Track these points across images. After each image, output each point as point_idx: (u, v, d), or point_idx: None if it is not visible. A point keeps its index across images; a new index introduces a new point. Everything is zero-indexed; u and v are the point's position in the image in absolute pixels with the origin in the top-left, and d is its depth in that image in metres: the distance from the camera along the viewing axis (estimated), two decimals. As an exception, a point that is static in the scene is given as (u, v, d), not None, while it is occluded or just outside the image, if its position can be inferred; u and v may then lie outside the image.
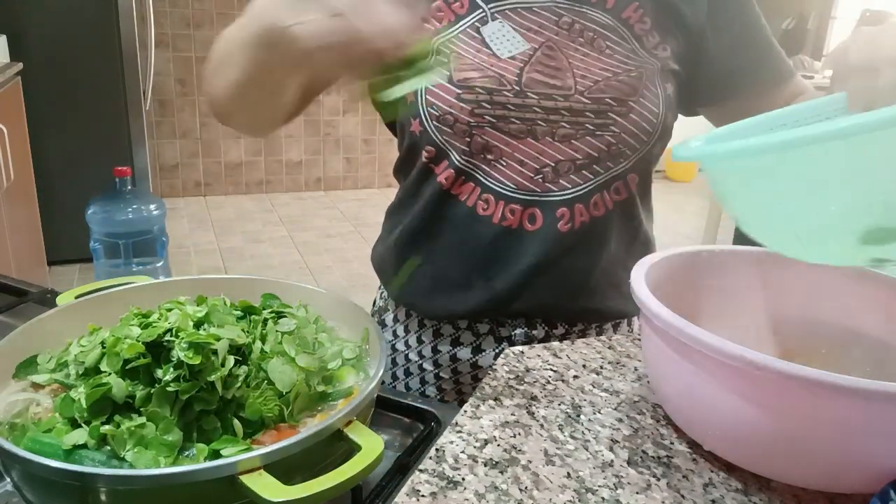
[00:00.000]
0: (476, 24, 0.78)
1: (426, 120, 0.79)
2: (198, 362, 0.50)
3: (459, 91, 0.77)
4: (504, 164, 0.79)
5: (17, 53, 2.75)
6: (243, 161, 4.51)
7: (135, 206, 2.64)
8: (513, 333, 0.86)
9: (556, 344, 0.71)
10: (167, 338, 0.52)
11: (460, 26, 0.79)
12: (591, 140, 0.78)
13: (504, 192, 0.80)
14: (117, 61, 3.07)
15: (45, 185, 2.90)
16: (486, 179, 0.80)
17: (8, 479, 0.52)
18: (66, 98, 3.03)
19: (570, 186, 0.79)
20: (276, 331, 0.60)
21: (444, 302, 0.87)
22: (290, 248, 3.73)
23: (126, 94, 3.12)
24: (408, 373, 0.94)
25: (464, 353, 0.88)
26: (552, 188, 0.79)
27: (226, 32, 0.66)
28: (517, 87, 0.77)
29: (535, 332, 0.86)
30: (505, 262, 0.82)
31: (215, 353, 0.52)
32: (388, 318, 0.95)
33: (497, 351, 0.87)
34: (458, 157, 0.80)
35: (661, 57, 0.80)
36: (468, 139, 0.79)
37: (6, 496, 0.56)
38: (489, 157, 0.79)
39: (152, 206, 2.69)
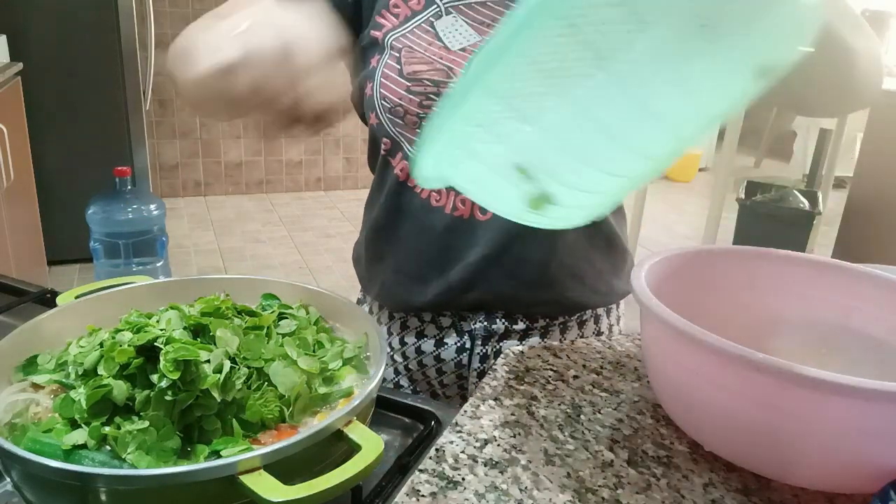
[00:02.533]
0: (430, 18, 0.79)
1: (380, 112, 0.81)
2: (176, 377, 0.49)
3: (409, 84, 0.78)
4: None
5: (17, 53, 2.75)
6: (243, 161, 4.51)
7: (135, 206, 2.64)
8: (473, 327, 0.87)
9: (555, 344, 0.71)
10: (158, 343, 0.52)
11: (415, 21, 0.80)
12: None
13: None
14: (117, 61, 3.07)
15: (45, 185, 2.90)
16: None
17: (8, 480, 0.52)
18: (66, 98, 3.03)
19: None
20: (277, 333, 0.60)
21: (404, 295, 0.88)
22: (290, 248, 3.73)
23: (126, 94, 3.12)
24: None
25: (427, 345, 0.90)
26: None
27: (191, 30, 0.64)
28: None
29: (494, 326, 0.86)
30: (458, 253, 0.83)
31: (207, 362, 0.52)
32: (365, 310, 0.96)
33: (458, 344, 0.88)
34: (410, 149, 0.81)
35: None
36: (419, 130, 0.80)
37: (6, 496, 0.55)
38: None
39: (152, 206, 2.69)
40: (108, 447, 0.49)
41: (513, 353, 0.69)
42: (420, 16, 0.80)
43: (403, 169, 0.83)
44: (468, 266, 0.83)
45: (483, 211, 0.81)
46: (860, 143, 3.20)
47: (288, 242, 3.80)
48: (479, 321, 0.86)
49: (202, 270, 3.36)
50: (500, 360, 0.67)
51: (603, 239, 0.88)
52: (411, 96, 0.79)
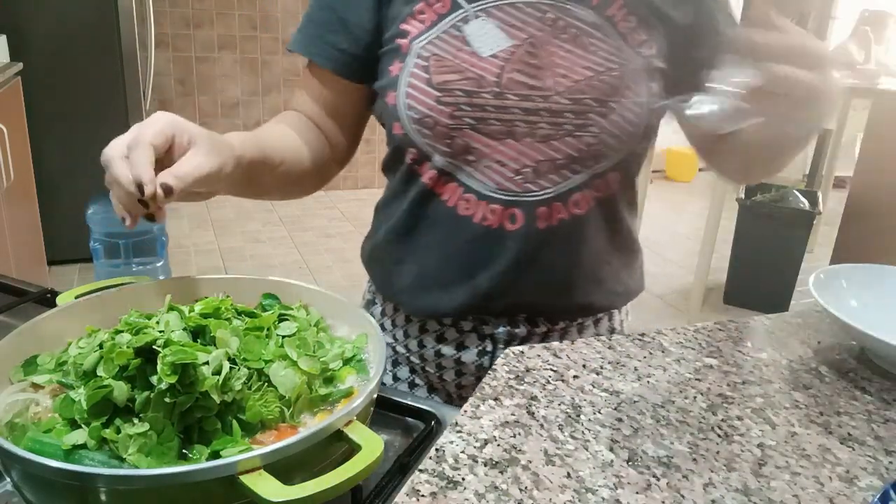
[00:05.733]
0: (458, 23, 0.78)
1: (406, 123, 0.79)
2: (174, 381, 0.49)
3: (439, 94, 0.77)
4: (485, 164, 0.79)
5: (17, 53, 2.75)
6: (243, 161, 4.50)
7: (135, 206, 2.64)
8: (495, 332, 0.87)
9: (555, 344, 0.71)
10: (157, 344, 0.52)
11: (442, 26, 0.78)
12: (571, 140, 0.78)
13: (485, 192, 0.80)
14: (117, 61, 3.07)
15: (45, 185, 2.90)
16: (467, 180, 0.81)
17: (8, 480, 0.52)
18: (66, 98, 3.03)
19: (549, 186, 0.79)
20: (277, 334, 0.60)
21: (427, 300, 0.88)
22: (290, 247, 3.73)
23: (126, 94, 3.12)
24: (396, 363, 0.95)
25: (447, 349, 0.89)
26: (532, 188, 0.79)
27: None
28: (496, 89, 0.77)
29: (517, 330, 0.86)
30: (486, 262, 0.83)
31: (206, 364, 0.51)
32: (377, 311, 0.96)
33: (479, 348, 0.88)
34: (440, 159, 0.80)
35: (646, 55, 0.79)
36: (449, 141, 0.79)
37: (6, 496, 0.55)
38: (470, 158, 0.79)
39: (152, 206, 2.69)
40: (108, 447, 0.49)
41: (513, 353, 0.69)
42: (446, 20, 0.78)
43: (432, 178, 0.82)
44: (495, 275, 0.83)
45: (513, 221, 0.80)
46: (860, 143, 3.20)
47: (288, 242, 3.80)
48: (503, 325, 0.86)
49: (202, 270, 3.36)
50: (499, 361, 0.67)
51: (622, 239, 0.89)
52: (441, 107, 0.77)
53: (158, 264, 2.75)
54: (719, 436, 0.57)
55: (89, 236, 2.66)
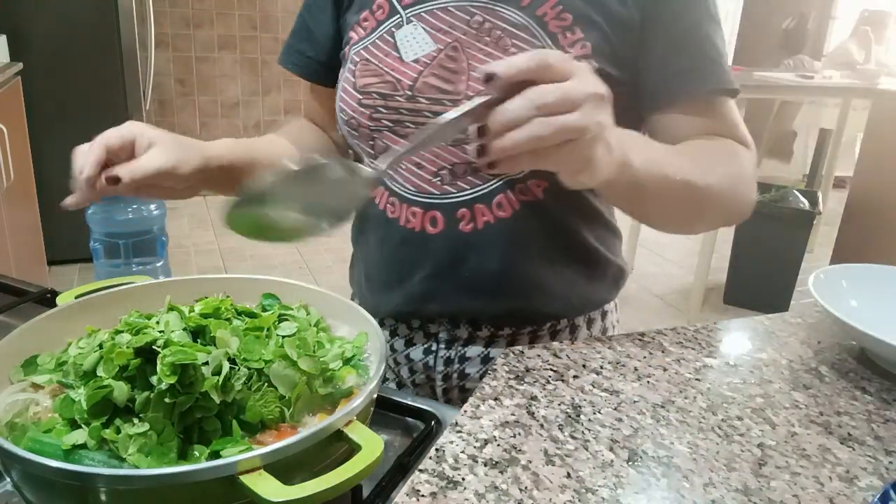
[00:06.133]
0: (392, 28, 0.79)
1: (340, 124, 0.84)
2: (174, 381, 0.49)
3: (360, 97, 0.80)
4: (403, 167, 0.80)
5: (17, 53, 2.75)
6: (243, 161, 4.50)
7: (135, 206, 2.64)
8: (438, 332, 0.87)
9: (555, 344, 0.71)
10: (157, 345, 0.52)
11: (378, 32, 0.80)
12: None
13: (406, 195, 0.81)
14: (117, 61, 3.07)
15: (45, 185, 2.90)
16: (391, 183, 0.82)
17: (8, 480, 0.52)
18: (66, 98, 3.03)
19: (468, 188, 0.78)
20: (277, 335, 0.60)
21: (372, 300, 0.91)
22: (290, 247, 3.73)
23: (126, 94, 3.12)
24: None
25: (398, 344, 0.90)
26: (450, 190, 0.79)
27: None
28: (409, 92, 0.77)
29: (457, 331, 0.86)
30: (414, 264, 0.83)
31: (206, 364, 0.52)
32: (364, 310, 0.98)
33: (425, 346, 0.88)
34: (367, 161, 0.82)
35: (576, 56, 0.73)
36: (371, 143, 0.82)
37: (6, 496, 0.55)
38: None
39: (152, 206, 2.69)
40: (108, 447, 0.49)
41: (513, 353, 0.69)
42: (383, 26, 0.80)
43: None
44: (424, 279, 0.83)
45: (434, 224, 0.80)
46: (860, 143, 3.20)
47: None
48: (444, 326, 0.86)
49: (202, 270, 3.36)
50: (499, 361, 0.67)
51: (575, 248, 0.85)
52: (362, 109, 0.80)
53: (158, 264, 2.75)
54: (719, 436, 0.57)
55: (89, 236, 2.66)
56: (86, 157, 0.71)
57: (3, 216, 2.32)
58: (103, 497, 0.46)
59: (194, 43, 4.18)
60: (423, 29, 0.77)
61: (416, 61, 0.77)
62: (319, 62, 0.90)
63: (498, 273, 0.80)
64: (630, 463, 0.53)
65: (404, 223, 0.82)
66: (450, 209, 0.79)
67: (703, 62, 0.76)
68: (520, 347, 0.70)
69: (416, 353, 0.89)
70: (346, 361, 0.61)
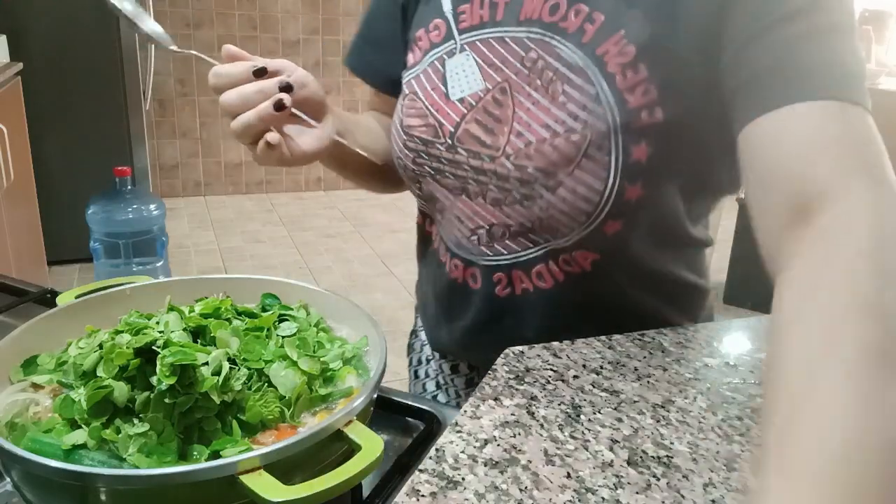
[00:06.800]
0: (444, 56, 0.73)
1: (395, 159, 0.80)
2: (173, 382, 0.49)
3: (406, 138, 0.76)
4: (447, 217, 0.77)
5: (17, 53, 2.75)
6: (243, 161, 4.51)
7: (135, 206, 2.64)
8: (479, 367, 0.89)
9: (555, 344, 0.71)
10: (157, 345, 0.52)
11: (430, 57, 0.74)
12: (521, 209, 0.70)
13: (450, 245, 0.79)
14: (117, 61, 3.07)
15: (45, 185, 2.90)
16: (440, 228, 0.81)
17: (8, 480, 0.52)
18: (66, 98, 3.03)
19: (505, 252, 0.73)
20: (277, 335, 0.60)
21: (427, 327, 0.91)
22: (290, 248, 3.73)
23: (126, 94, 3.12)
24: (427, 374, 0.97)
25: (445, 365, 0.92)
26: (487, 252, 0.74)
27: None
28: (449, 141, 0.72)
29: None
30: (457, 311, 0.83)
31: (205, 364, 0.52)
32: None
33: (468, 377, 0.91)
34: (419, 200, 0.81)
35: (634, 106, 0.63)
36: (418, 185, 0.78)
37: (6, 496, 0.56)
38: (437, 207, 0.78)
39: (152, 206, 2.69)
40: (109, 447, 0.49)
41: (512, 353, 0.69)
42: (436, 51, 0.73)
43: (421, 217, 0.84)
44: (466, 327, 0.82)
45: (474, 280, 0.78)
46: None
47: (288, 242, 3.80)
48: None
49: (202, 270, 3.36)
50: (499, 361, 0.67)
51: (632, 311, 0.77)
52: (407, 151, 0.76)
53: (158, 264, 2.75)
54: (719, 436, 0.57)
55: (89, 236, 2.66)
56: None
57: (3, 216, 2.32)
58: (103, 497, 0.46)
59: (194, 43, 4.18)
60: (476, 61, 0.70)
61: (461, 101, 0.71)
62: (387, 73, 0.82)
63: (534, 338, 0.73)
64: (630, 463, 0.53)
65: (450, 271, 0.80)
66: (487, 270, 0.75)
67: (816, 68, 0.55)
68: (520, 348, 0.70)
69: (460, 380, 0.91)
70: (347, 362, 0.62)
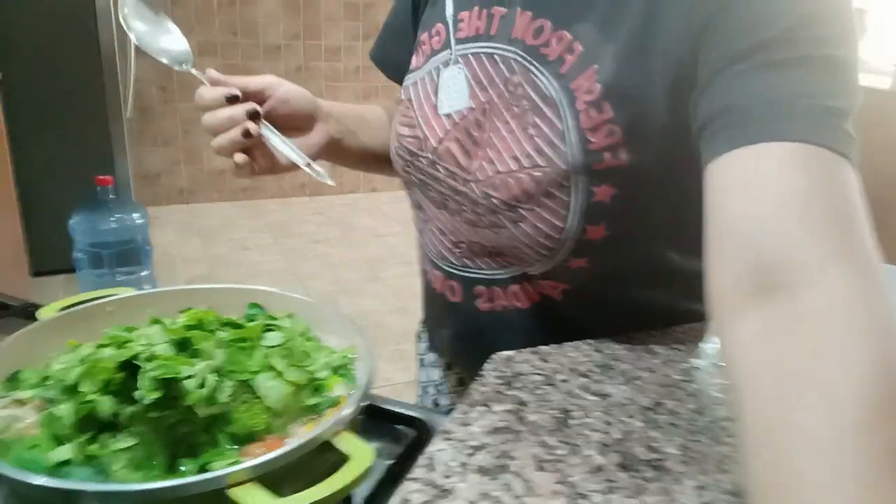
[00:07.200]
0: (440, 65, 0.72)
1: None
2: (158, 396, 0.49)
3: (397, 145, 0.76)
4: (429, 227, 0.78)
5: (-5, 62, 2.72)
6: (227, 168, 4.48)
7: (118, 216, 2.61)
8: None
9: (543, 348, 0.71)
10: (140, 359, 0.51)
11: (428, 66, 0.73)
12: (490, 234, 0.70)
13: (430, 255, 0.79)
14: (97, 68, 3.04)
15: (27, 195, 2.87)
16: (423, 236, 0.81)
17: (-6, 497, 0.51)
18: (45, 106, 3.00)
19: (484, 267, 0.74)
20: (263, 345, 0.59)
21: (428, 334, 0.91)
22: (277, 254, 3.71)
23: (106, 102, 3.10)
24: (439, 391, 0.97)
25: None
26: (469, 264, 0.74)
27: None
28: (431, 156, 0.72)
29: None
30: (442, 320, 0.83)
31: (190, 377, 0.51)
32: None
33: (459, 376, 0.91)
34: (418, 208, 0.81)
35: (596, 147, 0.60)
36: (408, 191, 0.79)
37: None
38: (422, 216, 0.79)
39: (135, 215, 2.67)
40: (96, 462, 0.49)
41: (500, 358, 0.69)
42: (433, 59, 0.73)
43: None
44: (450, 338, 0.82)
45: (452, 293, 0.78)
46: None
47: (275, 249, 3.78)
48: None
49: (189, 279, 3.33)
50: (487, 366, 0.67)
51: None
52: (397, 158, 0.77)
53: (143, 273, 2.72)
54: (710, 438, 0.58)
55: (73, 246, 2.63)
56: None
57: (-17, 228, 2.29)
58: (90, 513, 0.46)
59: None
60: (466, 76, 0.69)
61: (447, 116, 0.70)
62: (405, 65, 0.80)
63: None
64: (621, 467, 0.53)
65: (431, 280, 0.80)
66: (468, 283, 0.75)
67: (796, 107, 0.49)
68: (508, 353, 0.70)
69: (454, 378, 0.91)
70: (334, 371, 0.61)
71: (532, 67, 0.64)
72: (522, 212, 0.65)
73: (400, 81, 0.84)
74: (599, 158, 0.61)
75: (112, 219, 2.59)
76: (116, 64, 3.08)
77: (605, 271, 0.69)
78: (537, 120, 0.63)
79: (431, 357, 0.94)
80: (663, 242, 0.71)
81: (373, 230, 4.07)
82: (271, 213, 4.38)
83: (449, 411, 0.90)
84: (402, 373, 2.41)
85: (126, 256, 2.63)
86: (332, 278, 3.39)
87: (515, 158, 0.65)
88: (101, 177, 2.58)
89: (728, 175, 0.49)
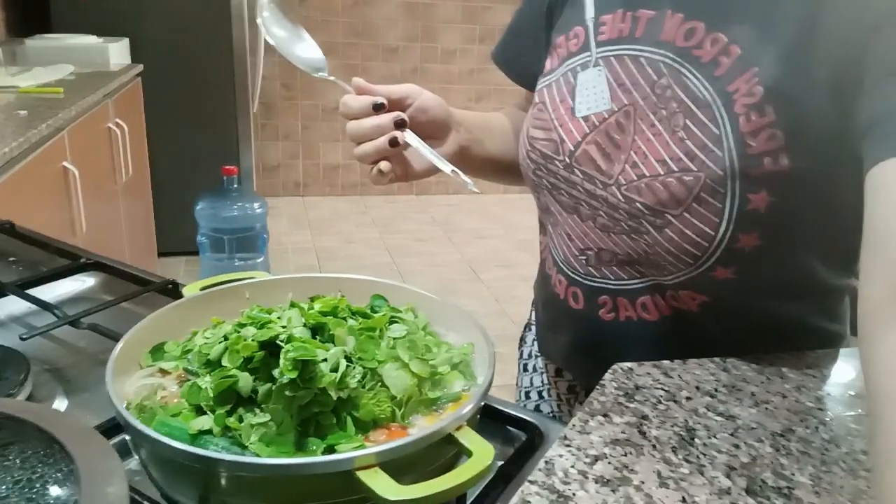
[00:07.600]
0: (577, 67, 0.71)
1: (520, 165, 0.80)
2: (295, 376, 0.51)
3: (528, 149, 0.76)
4: (558, 232, 0.76)
5: (137, 55, 2.93)
6: (340, 164, 4.64)
7: (239, 204, 2.76)
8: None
9: (666, 363, 0.69)
10: (280, 339, 0.54)
11: (564, 68, 0.72)
12: (628, 240, 0.68)
13: (556, 259, 0.78)
14: (229, 65, 3.22)
15: (158, 181, 3.07)
16: (550, 240, 0.79)
17: (135, 457, 0.55)
18: (180, 99, 3.20)
19: (612, 277, 0.72)
20: (388, 336, 0.61)
21: (537, 332, 0.91)
22: (381, 249, 3.80)
23: (235, 97, 3.27)
24: (540, 396, 0.96)
25: (561, 383, 0.91)
26: (594, 273, 0.73)
27: None
28: (567, 160, 0.71)
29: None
30: (560, 326, 0.82)
31: (324, 361, 0.53)
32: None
33: (570, 383, 0.89)
34: (541, 215, 0.80)
35: (756, 151, 0.59)
36: (536, 195, 0.79)
37: (131, 473, 0.59)
38: (551, 219, 0.78)
39: (255, 205, 2.80)
40: (231, 434, 0.51)
41: (621, 369, 0.67)
42: (571, 61, 0.72)
43: (539, 224, 0.84)
44: (566, 344, 0.81)
45: (575, 300, 0.76)
46: None
47: (379, 244, 3.87)
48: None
49: (298, 268, 3.47)
50: (607, 376, 0.66)
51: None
52: (528, 162, 0.76)
53: (259, 260, 2.86)
54: (844, 469, 0.54)
55: (196, 230, 2.79)
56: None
57: (120, 207, 2.47)
58: (223, 482, 0.48)
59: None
60: (607, 78, 0.68)
61: (585, 119, 0.69)
62: (527, 67, 0.81)
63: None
64: (748, 492, 0.51)
65: (554, 285, 0.79)
66: (592, 291, 0.74)
67: None
68: (629, 364, 0.68)
69: (563, 384, 0.90)
70: (454, 366, 0.62)
71: (684, 70, 0.63)
72: (669, 217, 0.64)
73: (521, 82, 0.85)
74: (759, 163, 0.59)
75: (234, 207, 2.73)
76: (246, 61, 3.25)
77: (750, 283, 0.66)
78: (688, 122, 0.62)
79: (537, 362, 0.94)
80: (814, 255, 0.68)
81: (476, 231, 4.09)
82: (378, 208, 4.49)
83: (553, 418, 0.89)
84: (497, 376, 2.39)
85: (245, 243, 2.77)
86: (433, 276, 3.43)
87: (663, 162, 0.63)
88: (227, 167, 2.73)
89: (890, 182, 0.48)
